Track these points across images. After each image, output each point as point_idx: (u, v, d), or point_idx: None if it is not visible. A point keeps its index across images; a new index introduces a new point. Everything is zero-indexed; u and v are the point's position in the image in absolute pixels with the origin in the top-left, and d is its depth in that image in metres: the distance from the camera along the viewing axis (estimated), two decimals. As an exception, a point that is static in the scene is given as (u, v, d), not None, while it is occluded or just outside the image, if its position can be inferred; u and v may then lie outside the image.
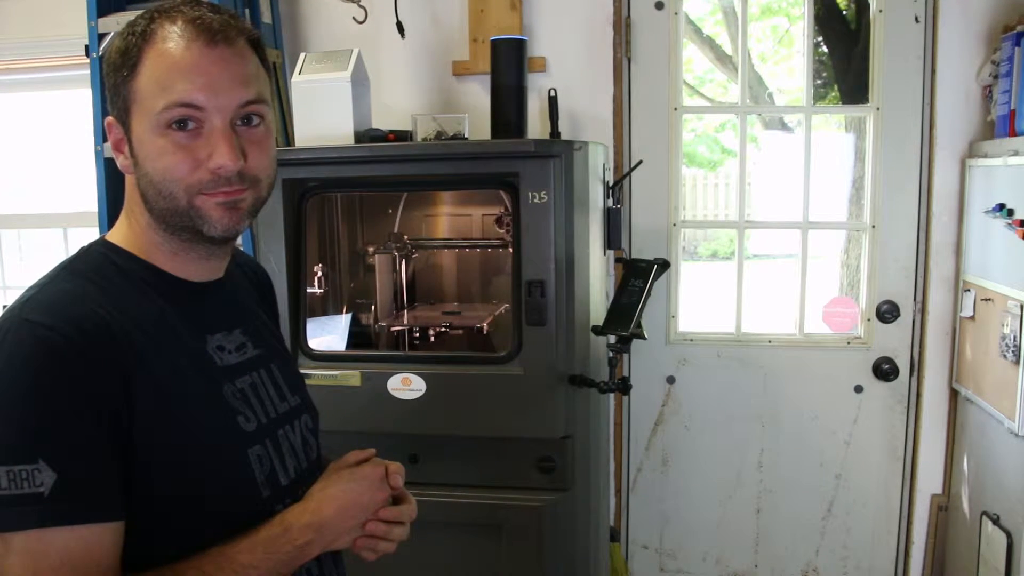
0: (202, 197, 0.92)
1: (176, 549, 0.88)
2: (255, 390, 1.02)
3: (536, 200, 1.75)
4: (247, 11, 2.35)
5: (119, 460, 0.84)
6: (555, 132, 2.08)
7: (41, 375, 0.82)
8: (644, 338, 1.90)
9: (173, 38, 0.90)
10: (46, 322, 0.84)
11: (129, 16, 2.43)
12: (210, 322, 1.01)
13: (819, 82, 3.33)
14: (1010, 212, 1.97)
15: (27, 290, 0.92)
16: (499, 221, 2.25)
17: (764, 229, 3.62)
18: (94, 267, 0.94)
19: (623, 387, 1.89)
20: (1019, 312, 1.91)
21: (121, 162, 0.95)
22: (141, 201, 0.95)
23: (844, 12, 2.86)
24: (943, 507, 2.41)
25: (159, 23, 0.91)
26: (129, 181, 0.97)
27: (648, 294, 1.87)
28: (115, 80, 0.93)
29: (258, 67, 0.97)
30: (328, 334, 2.13)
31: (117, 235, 0.99)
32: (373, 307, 2.27)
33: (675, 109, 2.46)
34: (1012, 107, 2.07)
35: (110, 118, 0.95)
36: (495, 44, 2.14)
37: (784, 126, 4.70)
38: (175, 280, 0.98)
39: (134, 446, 0.85)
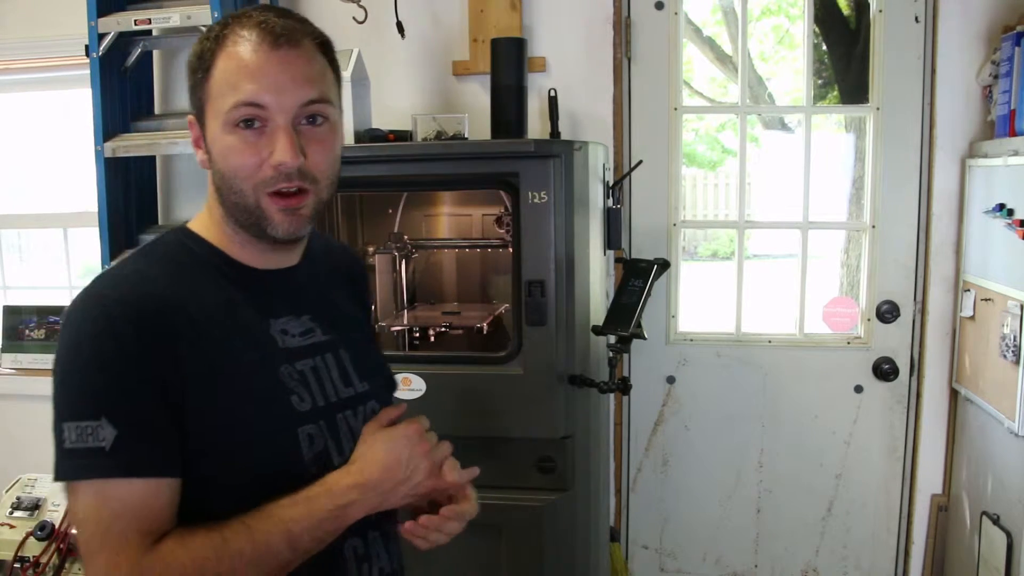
0: (267, 199, 0.98)
1: (226, 514, 0.92)
2: (316, 373, 1.05)
3: (536, 200, 1.75)
4: (247, 11, 2.35)
5: (174, 424, 0.90)
6: (555, 132, 2.08)
7: (104, 343, 0.89)
8: (644, 338, 1.90)
9: (242, 41, 0.96)
10: (111, 295, 0.93)
11: (129, 16, 2.45)
12: (276, 306, 1.05)
13: (819, 82, 3.33)
14: (1010, 212, 1.97)
15: (105, 269, 1.00)
16: (499, 221, 2.25)
17: (764, 229, 3.63)
18: (167, 250, 1.02)
19: (623, 387, 1.89)
20: (1019, 312, 1.91)
21: (199, 158, 1.02)
22: (216, 195, 1.02)
23: (844, 12, 2.86)
24: (943, 507, 2.41)
25: (231, 28, 0.97)
26: (209, 176, 1.03)
27: (648, 294, 1.87)
28: (192, 81, 1.00)
29: (324, 68, 1.01)
30: (328, 334, 2.12)
31: (197, 223, 1.06)
32: (373, 307, 2.27)
33: (675, 109, 2.46)
34: (1012, 107, 2.07)
35: (190, 116, 1.02)
36: (495, 44, 2.14)
37: (784, 126, 4.70)
38: (243, 267, 1.04)
39: (187, 412, 0.91)
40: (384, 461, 1.00)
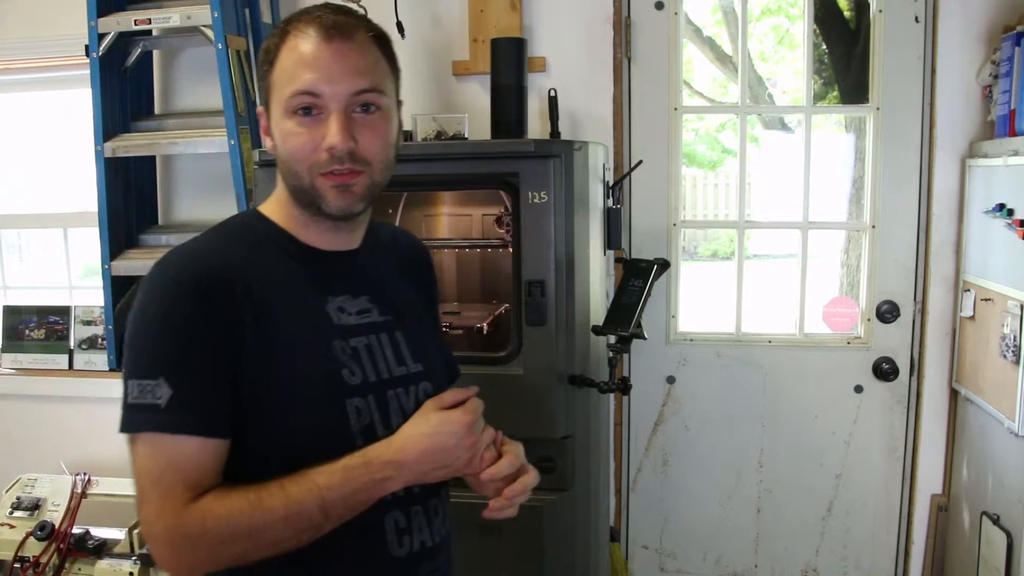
0: (321, 179, 1.04)
1: (274, 477, 0.98)
2: (370, 351, 1.10)
3: (536, 200, 1.75)
4: (247, 11, 2.35)
5: (228, 387, 0.97)
6: (555, 132, 2.08)
7: (168, 308, 0.98)
8: (644, 338, 1.90)
9: (300, 35, 1.04)
10: (179, 265, 1.02)
11: (129, 16, 2.45)
12: (335, 285, 1.11)
13: (819, 82, 3.33)
14: (1010, 212, 1.97)
15: (179, 244, 1.08)
16: (499, 221, 2.25)
17: (764, 229, 3.63)
18: (236, 228, 1.12)
19: (623, 387, 1.89)
20: (1019, 312, 1.91)
21: (267, 145, 1.10)
22: (281, 179, 1.09)
23: (844, 12, 2.86)
24: (943, 507, 2.41)
25: (293, 24, 1.05)
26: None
27: (648, 294, 1.86)
28: (260, 74, 1.09)
29: (377, 60, 1.09)
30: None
31: (267, 206, 1.13)
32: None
33: (675, 109, 2.46)
34: (1012, 107, 2.07)
35: (260, 107, 1.11)
36: (495, 44, 2.14)
37: (784, 126, 4.70)
38: (306, 247, 1.10)
39: (242, 377, 0.98)
40: (426, 447, 1.03)
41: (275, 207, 1.12)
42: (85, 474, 2.53)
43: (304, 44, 1.03)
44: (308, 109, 1.03)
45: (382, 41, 1.11)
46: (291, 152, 1.04)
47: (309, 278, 1.09)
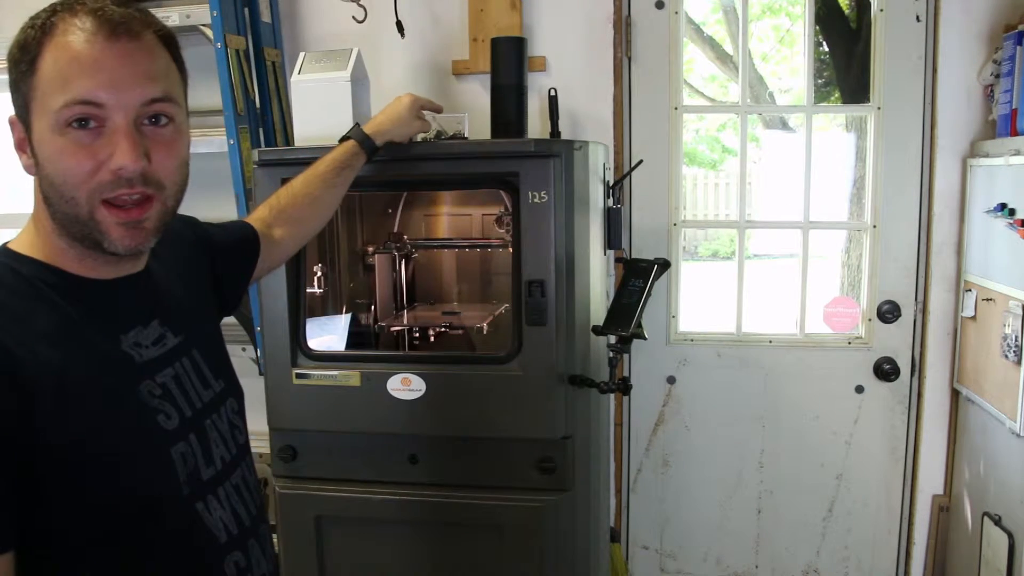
0: (103, 211, 0.88)
1: (94, 552, 0.88)
2: (178, 382, 1.00)
3: (536, 200, 1.75)
4: (247, 10, 2.35)
5: (14, 486, 0.81)
6: (555, 132, 2.08)
7: None
8: (644, 338, 1.89)
9: (73, 31, 0.86)
10: None
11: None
12: (124, 320, 0.97)
13: (820, 81, 3.33)
14: (1011, 212, 1.96)
15: None
16: (499, 221, 2.25)
17: (765, 229, 3.63)
18: None
19: (623, 387, 1.88)
20: (1020, 312, 1.91)
21: (24, 163, 0.92)
22: (45, 205, 0.92)
23: (845, 11, 2.86)
24: (944, 508, 2.41)
25: (60, 16, 0.87)
26: (35, 183, 0.93)
27: (648, 294, 1.86)
28: (14, 75, 0.89)
29: (169, 65, 0.94)
30: (328, 334, 2.12)
31: (22, 242, 0.95)
32: (373, 307, 2.26)
33: (675, 109, 2.45)
34: (1013, 106, 2.06)
35: (12, 116, 0.92)
36: (495, 43, 2.13)
37: (785, 126, 4.70)
38: (84, 282, 0.94)
39: (39, 462, 0.83)
40: None
41: (35, 239, 0.94)
42: None
43: (79, 42, 0.86)
44: (85, 121, 0.86)
45: (170, 42, 0.94)
46: (63, 175, 0.87)
47: (95, 320, 0.93)
